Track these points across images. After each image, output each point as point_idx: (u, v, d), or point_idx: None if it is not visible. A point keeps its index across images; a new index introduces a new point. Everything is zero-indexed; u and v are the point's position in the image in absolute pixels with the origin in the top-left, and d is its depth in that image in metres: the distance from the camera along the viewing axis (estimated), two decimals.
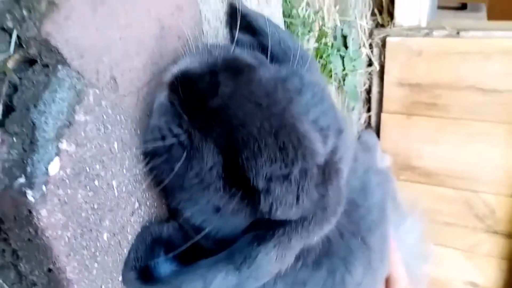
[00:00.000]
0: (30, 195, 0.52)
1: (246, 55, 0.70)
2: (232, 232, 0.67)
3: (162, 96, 0.65)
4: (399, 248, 1.26)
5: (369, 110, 2.18)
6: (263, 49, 0.79)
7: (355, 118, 2.09)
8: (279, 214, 0.62)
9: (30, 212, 0.52)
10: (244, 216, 0.65)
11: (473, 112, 1.86)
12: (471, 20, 2.90)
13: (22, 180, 0.53)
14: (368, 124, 2.21)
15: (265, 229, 0.65)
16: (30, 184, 0.52)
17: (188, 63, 0.65)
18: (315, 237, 0.69)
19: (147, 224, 0.70)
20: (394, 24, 1.98)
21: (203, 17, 0.82)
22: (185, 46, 0.72)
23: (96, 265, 0.61)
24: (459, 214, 2.03)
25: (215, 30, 0.86)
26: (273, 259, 0.64)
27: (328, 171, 0.65)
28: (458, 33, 1.85)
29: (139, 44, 0.67)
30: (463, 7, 2.87)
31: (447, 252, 2.12)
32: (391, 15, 2.02)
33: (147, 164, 0.66)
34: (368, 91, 2.14)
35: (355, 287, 0.87)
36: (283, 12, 1.20)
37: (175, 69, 0.65)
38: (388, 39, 1.94)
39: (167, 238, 0.70)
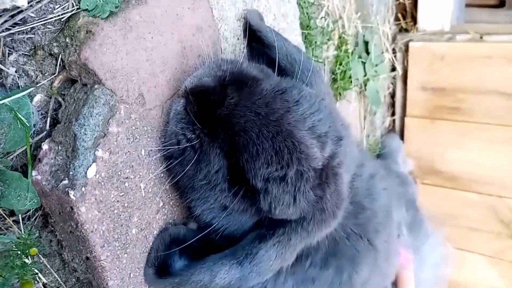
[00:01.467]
0: (72, 194, 0.62)
1: (253, 69, 0.78)
2: (239, 229, 0.75)
3: (179, 105, 0.74)
4: (420, 267, 1.29)
5: (393, 114, 2.21)
6: (274, 62, 0.87)
7: (379, 122, 2.12)
8: (278, 213, 0.69)
9: (72, 208, 0.63)
10: (248, 215, 0.73)
11: (497, 116, 1.85)
12: (508, 17, 2.83)
13: (65, 182, 0.63)
14: (392, 128, 2.23)
15: (267, 228, 0.73)
16: (72, 185, 0.62)
17: (200, 76, 0.74)
18: (315, 237, 0.75)
19: (167, 226, 0.80)
20: (417, 28, 2.00)
21: (221, 35, 0.91)
22: (202, 62, 0.81)
23: (125, 255, 0.71)
24: (484, 219, 2.02)
25: (232, 47, 0.95)
26: (273, 256, 0.71)
27: (325, 174, 0.72)
28: (481, 37, 1.85)
29: (164, 64, 0.76)
30: (501, 4, 2.79)
31: (471, 257, 2.10)
32: (414, 19, 2.04)
33: (165, 166, 0.75)
34: (392, 96, 2.16)
35: (362, 285, 0.93)
36: (301, 24, 1.27)
37: (189, 82, 0.74)
38: (411, 44, 1.97)
39: (183, 239, 0.79)
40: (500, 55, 1.77)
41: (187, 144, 0.69)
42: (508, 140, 1.86)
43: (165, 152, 0.73)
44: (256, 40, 0.91)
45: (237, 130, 0.67)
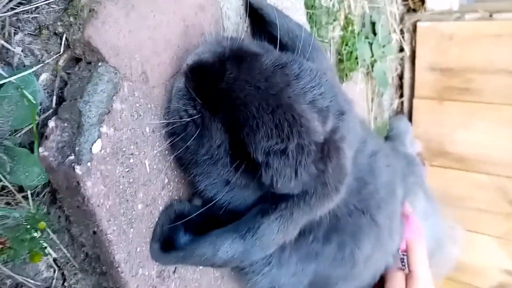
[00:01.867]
0: (78, 169, 0.64)
1: (253, 45, 0.78)
2: (242, 204, 0.76)
3: (180, 83, 0.75)
4: (427, 236, 1.29)
5: (401, 95, 2.19)
6: (274, 39, 0.87)
7: (387, 104, 2.11)
8: (280, 186, 0.70)
9: (78, 183, 0.65)
10: (251, 190, 0.74)
11: (506, 96, 1.82)
12: None
13: (72, 157, 0.65)
14: (400, 110, 2.21)
15: (269, 203, 0.74)
16: (78, 161, 0.64)
17: (200, 53, 0.75)
18: (317, 212, 0.76)
19: (172, 202, 0.81)
20: (425, 8, 1.97)
21: (224, 14, 0.91)
22: (204, 39, 0.81)
23: (132, 230, 0.73)
24: (493, 200, 2.01)
25: (235, 25, 0.95)
26: (275, 230, 0.73)
27: (327, 148, 0.72)
28: (491, 15, 1.81)
29: (166, 42, 0.77)
30: None
31: (480, 238, 2.10)
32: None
33: (168, 143, 0.77)
34: (400, 77, 2.14)
35: (365, 260, 0.94)
36: (306, 4, 1.26)
37: (190, 59, 0.75)
38: (419, 24, 1.94)
39: (187, 215, 0.80)
40: (509, 33, 1.74)
41: (188, 119, 0.70)
42: None
43: (168, 129, 0.74)
44: (258, 18, 0.91)
45: (237, 104, 0.68)
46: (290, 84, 0.69)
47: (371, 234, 0.95)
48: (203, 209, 0.76)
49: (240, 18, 0.96)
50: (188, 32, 0.82)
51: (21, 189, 0.69)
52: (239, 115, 0.68)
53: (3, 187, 0.67)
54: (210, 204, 0.75)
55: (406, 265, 1.09)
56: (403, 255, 1.10)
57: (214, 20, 0.87)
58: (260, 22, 0.91)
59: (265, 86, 0.68)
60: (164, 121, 0.74)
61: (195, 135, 0.70)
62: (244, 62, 0.70)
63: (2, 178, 0.65)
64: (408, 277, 1.08)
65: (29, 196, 0.69)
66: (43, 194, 0.72)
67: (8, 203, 0.68)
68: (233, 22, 0.94)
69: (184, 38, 0.81)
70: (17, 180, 0.65)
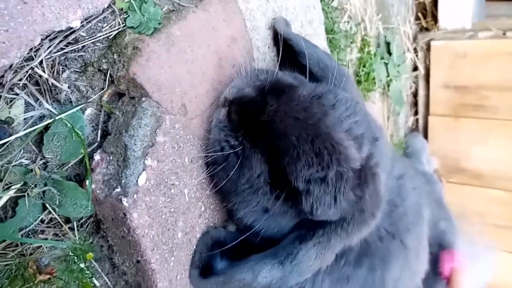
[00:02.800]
0: (125, 201, 0.66)
1: (288, 77, 0.81)
2: (279, 231, 0.78)
3: (220, 114, 0.78)
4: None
5: (416, 113, 2.21)
6: (304, 68, 0.90)
7: (402, 121, 2.13)
8: (320, 213, 0.72)
9: (124, 214, 0.67)
10: (289, 217, 0.76)
11: None
12: None
13: (118, 189, 0.67)
14: (416, 127, 2.23)
15: (307, 229, 0.76)
16: (125, 193, 0.66)
17: (239, 86, 0.78)
18: (354, 238, 0.78)
19: (208, 229, 0.83)
20: (438, 27, 2.01)
21: (254, 45, 0.95)
22: (238, 72, 0.85)
23: (173, 258, 0.75)
24: (511, 216, 2.01)
25: (263, 55, 0.98)
26: (313, 257, 0.74)
27: (364, 175, 0.74)
28: (504, 33, 1.84)
29: (202, 75, 0.80)
30: None
31: (499, 255, 2.09)
32: (435, 18, 2.04)
33: (209, 172, 0.79)
34: (415, 95, 2.17)
35: (394, 283, 0.95)
36: (326, 29, 1.30)
37: (230, 92, 0.78)
38: (432, 42, 1.97)
39: (224, 241, 0.82)
40: None
41: (231, 151, 0.72)
42: None
43: (209, 159, 0.76)
44: (287, 48, 0.94)
45: (277, 134, 0.71)
46: (327, 113, 0.72)
47: (400, 257, 0.96)
48: (242, 237, 0.77)
49: (268, 47, 0.99)
50: (222, 64, 0.85)
51: (67, 220, 0.72)
52: (280, 145, 0.70)
53: (51, 219, 0.70)
54: (249, 233, 0.76)
55: None
56: (444, 279, 1.12)
57: (245, 51, 0.90)
58: (289, 52, 0.94)
59: (304, 116, 0.71)
60: (207, 153, 0.76)
61: (237, 166, 0.72)
62: (283, 94, 0.73)
63: (52, 211, 0.67)
64: None
65: (75, 227, 0.72)
66: (87, 224, 0.75)
67: (55, 234, 0.71)
68: (261, 52, 0.97)
69: (218, 70, 0.84)
70: (65, 213, 0.68)
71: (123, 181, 0.67)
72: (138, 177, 0.68)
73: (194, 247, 0.80)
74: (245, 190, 0.75)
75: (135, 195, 0.67)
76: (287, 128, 0.70)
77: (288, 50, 0.95)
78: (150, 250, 0.71)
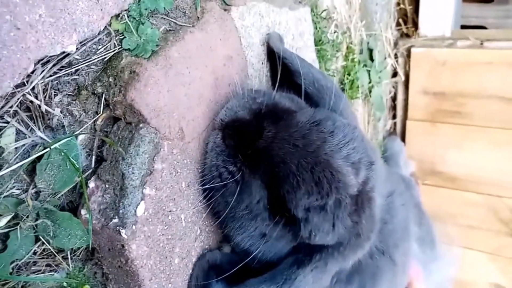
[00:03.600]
0: (123, 233, 0.64)
1: (285, 100, 0.81)
2: (276, 254, 0.78)
3: (217, 138, 0.76)
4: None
5: (394, 117, 2.25)
6: (299, 87, 0.89)
7: (381, 125, 2.16)
8: (318, 240, 0.72)
9: (123, 246, 0.65)
10: (286, 242, 0.76)
11: (496, 120, 1.91)
12: (497, 13, 2.89)
13: (116, 220, 0.65)
14: (394, 131, 2.27)
15: (304, 254, 0.76)
16: (123, 224, 0.64)
17: (235, 108, 0.76)
18: (350, 261, 0.79)
19: (204, 252, 0.82)
20: (418, 34, 2.04)
21: (248, 62, 0.93)
22: (233, 92, 0.83)
23: (170, 285, 0.74)
24: (483, 218, 2.09)
25: (257, 72, 0.97)
26: (310, 281, 0.75)
27: (361, 200, 0.75)
28: (481, 43, 1.90)
29: (199, 97, 0.78)
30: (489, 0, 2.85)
31: (472, 254, 2.18)
32: (415, 25, 2.08)
33: (206, 198, 0.78)
34: (394, 99, 2.21)
35: None
36: (315, 40, 1.30)
37: (223, 114, 0.76)
38: (412, 49, 2.00)
39: (220, 264, 0.81)
40: (500, 61, 1.82)
41: (231, 178, 0.71)
42: (507, 143, 1.92)
43: (207, 185, 0.75)
44: (282, 66, 0.93)
45: (276, 161, 0.70)
46: (326, 140, 0.72)
47: (389, 273, 0.98)
48: (241, 264, 0.77)
49: (262, 63, 0.98)
50: (218, 84, 0.83)
51: (60, 250, 0.69)
52: (279, 173, 0.70)
53: (44, 249, 0.67)
54: (248, 259, 0.76)
55: None
56: None
57: (240, 69, 0.89)
58: (284, 70, 0.93)
59: (303, 143, 0.70)
60: (205, 179, 0.75)
61: (236, 192, 0.71)
62: (281, 120, 0.72)
63: (46, 243, 0.65)
64: None
65: (69, 257, 0.69)
66: (79, 252, 0.72)
67: (48, 265, 0.68)
68: (255, 69, 0.96)
69: (215, 90, 0.82)
70: (60, 244, 0.65)
71: (121, 211, 0.65)
72: (137, 207, 0.66)
73: (190, 271, 0.79)
74: (244, 216, 0.74)
75: (133, 226, 0.65)
76: (286, 156, 0.69)
77: (283, 68, 0.94)
78: (148, 280, 0.69)
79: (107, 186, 0.68)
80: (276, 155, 0.70)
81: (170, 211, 0.72)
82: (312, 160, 0.70)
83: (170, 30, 0.76)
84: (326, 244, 0.76)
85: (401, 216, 1.02)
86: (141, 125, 0.68)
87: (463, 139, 2.03)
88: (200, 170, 0.77)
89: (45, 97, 0.65)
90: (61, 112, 0.68)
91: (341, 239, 0.76)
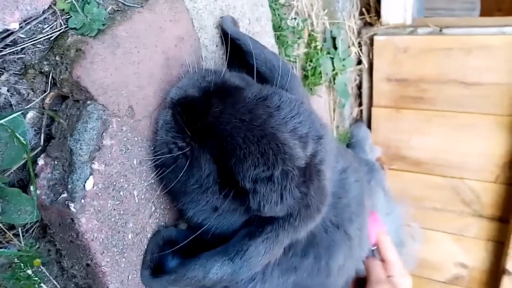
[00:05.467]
0: (72, 207, 0.66)
1: (235, 78, 0.83)
2: (229, 228, 0.80)
3: (167, 115, 0.78)
4: (389, 232, 1.40)
5: (360, 104, 2.31)
6: (252, 68, 0.92)
7: (347, 113, 2.21)
8: (267, 211, 0.75)
9: (72, 220, 0.67)
10: (238, 215, 0.78)
11: (457, 105, 1.98)
12: (464, 5, 2.99)
13: (65, 195, 0.67)
14: (360, 118, 2.33)
15: (256, 226, 0.79)
16: (72, 198, 0.66)
17: (185, 87, 0.79)
18: (301, 232, 0.82)
19: (159, 228, 0.84)
20: (381, 22, 2.09)
21: (202, 44, 0.95)
22: (185, 72, 0.85)
23: (123, 259, 0.76)
24: (447, 200, 2.17)
25: (212, 54, 0.99)
26: (262, 252, 0.77)
27: (309, 172, 0.78)
28: (441, 30, 1.96)
29: (150, 76, 0.80)
30: None
31: (437, 235, 2.26)
32: (378, 13, 2.13)
33: (157, 174, 0.80)
34: (359, 87, 2.26)
35: (338, 269, 1.01)
36: (274, 26, 1.32)
37: (174, 93, 0.78)
38: (375, 37, 2.06)
39: (175, 240, 0.83)
40: (458, 46, 1.89)
41: (180, 152, 0.74)
42: (468, 126, 1.99)
43: (158, 161, 0.77)
44: (235, 47, 0.95)
45: (224, 136, 0.72)
46: (272, 115, 0.75)
47: (343, 246, 1.02)
48: (193, 236, 0.79)
49: (216, 46, 1.00)
50: (169, 64, 0.85)
51: (11, 227, 0.70)
52: (226, 146, 0.72)
53: None
54: (200, 231, 0.78)
55: (378, 255, 1.19)
56: (373, 247, 1.20)
57: (193, 50, 0.91)
58: (237, 51, 0.95)
59: (249, 118, 0.73)
60: (156, 155, 0.77)
61: (186, 167, 0.73)
62: (228, 96, 0.75)
63: None
64: (384, 265, 1.17)
65: (20, 233, 0.70)
66: (32, 229, 0.73)
67: None
68: (210, 51, 0.98)
69: (166, 70, 0.84)
70: (9, 220, 0.66)
71: (69, 186, 0.67)
72: (85, 182, 0.67)
73: (145, 247, 0.81)
74: (195, 190, 0.76)
75: (82, 200, 0.67)
76: (233, 130, 0.72)
77: (236, 50, 0.96)
78: (100, 253, 0.71)
79: (56, 162, 0.69)
80: (223, 129, 0.72)
81: (121, 187, 0.74)
82: (258, 133, 0.72)
83: (117, 10, 0.78)
84: (276, 215, 0.79)
85: (355, 192, 1.06)
86: (88, 102, 0.70)
87: (426, 124, 2.10)
88: (151, 148, 0.79)
89: None
90: (8, 91, 0.69)
91: (291, 211, 0.79)
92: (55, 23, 0.70)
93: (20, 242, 0.70)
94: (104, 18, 0.73)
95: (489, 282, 2.20)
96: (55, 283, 0.78)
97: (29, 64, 0.70)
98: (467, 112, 2.00)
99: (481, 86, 1.94)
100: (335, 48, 1.89)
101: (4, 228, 0.68)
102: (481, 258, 2.20)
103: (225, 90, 0.76)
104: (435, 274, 2.38)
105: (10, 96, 0.69)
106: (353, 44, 2.07)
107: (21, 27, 0.66)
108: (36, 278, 0.68)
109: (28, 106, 0.69)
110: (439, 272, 2.36)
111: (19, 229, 0.70)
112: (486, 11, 2.83)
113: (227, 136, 0.72)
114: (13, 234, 0.70)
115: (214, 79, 0.78)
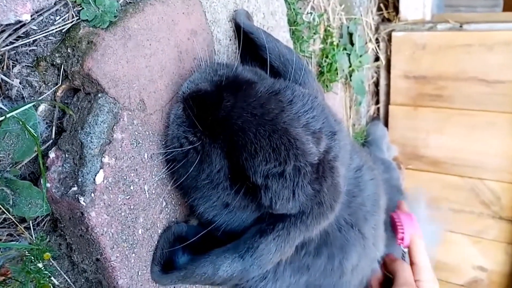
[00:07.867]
0: (82, 200, 0.65)
1: (247, 72, 0.81)
2: (240, 225, 0.79)
3: (179, 109, 0.77)
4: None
5: (377, 102, 2.27)
6: (265, 62, 0.90)
7: (364, 110, 2.18)
8: (278, 207, 0.73)
9: (82, 214, 0.66)
10: (249, 211, 0.77)
11: (476, 103, 1.92)
12: (485, 1, 2.91)
13: (75, 188, 0.66)
14: (377, 116, 2.29)
15: (267, 223, 0.77)
16: (82, 192, 0.65)
17: (197, 81, 0.77)
18: (314, 230, 0.80)
19: (170, 224, 0.83)
20: (399, 18, 2.05)
21: (215, 38, 0.94)
22: (197, 66, 0.84)
23: (133, 255, 0.75)
24: (466, 201, 2.11)
25: (225, 48, 0.97)
26: (273, 250, 0.76)
27: (322, 169, 0.75)
28: (461, 26, 1.91)
29: (162, 69, 0.79)
30: None
31: (455, 237, 2.20)
32: (396, 9, 2.08)
33: (168, 169, 0.79)
34: (376, 84, 2.22)
35: (352, 269, 0.99)
36: (289, 21, 1.30)
37: (186, 87, 0.77)
38: (393, 33, 2.01)
39: (185, 236, 0.82)
40: (479, 43, 1.84)
41: (190, 147, 0.72)
42: (487, 125, 1.94)
43: (169, 156, 0.76)
44: (248, 41, 0.94)
45: (235, 130, 0.71)
46: (284, 109, 0.73)
47: (357, 245, 1.00)
48: (203, 232, 0.78)
49: (230, 40, 0.98)
50: (182, 58, 0.84)
51: (22, 220, 0.70)
52: (237, 141, 0.70)
53: (5, 219, 0.68)
54: (210, 227, 0.77)
55: (409, 258, 1.17)
56: (404, 249, 1.17)
57: (206, 44, 0.90)
58: (250, 45, 0.94)
59: (261, 112, 0.71)
60: (167, 150, 0.76)
61: (196, 162, 0.72)
62: (240, 90, 0.73)
63: (6, 212, 0.65)
64: (413, 268, 1.15)
65: (31, 226, 0.70)
66: (44, 223, 0.73)
67: (10, 235, 0.69)
68: (223, 45, 0.96)
69: (178, 64, 0.83)
70: (20, 212, 0.66)
71: (79, 180, 0.66)
72: (96, 175, 0.66)
73: (156, 243, 0.80)
74: (205, 185, 0.75)
75: (92, 194, 0.66)
76: (245, 124, 0.70)
77: (249, 44, 0.95)
78: (110, 248, 0.70)
79: (67, 155, 0.69)
80: (234, 124, 0.71)
81: (132, 181, 0.73)
82: (270, 128, 0.70)
83: (130, 2, 0.77)
84: (288, 213, 0.77)
85: (370, 191, 1.04)
86: (99, 94, 0.69)
87: (444, 122, 2.05)
88: (162, 142, 0.78)
89: (2, 67, 0.66)
90: (20, 83, 0.68)
91: (303, 208, 0.77)
92: (67, 14, 0.70)
93: (31, 236, 0.70)
94: (116, 10, 0.72)
95: (509, 286, 2.13)
96: (66, 277, 0.78)
97: (41, 56, 0.69)
98: (487, 110, 1.95)
99: (502, 84, 1.88)
100: (352, 44, 1.86)
101: (15, 221, 0.68)
102: (501, 261, 2.14)
103: (237, 84, 0.75)
104: (452, 277, 2.32)
105: (23, 88, 0.69)
106: (370, 40, 2.04)
107: (33, 19, 0.66)
108: (47, 272, 0.68)
109: (39, 99, 0.68)
110: (457, 275, 2.31)
111: (30, 222, 0.70)
112: (509, 6, 2.74)
113: (238, 131, 0.70)
114: (24, 227, 0.70)
115: (226, 73, 0.77)
